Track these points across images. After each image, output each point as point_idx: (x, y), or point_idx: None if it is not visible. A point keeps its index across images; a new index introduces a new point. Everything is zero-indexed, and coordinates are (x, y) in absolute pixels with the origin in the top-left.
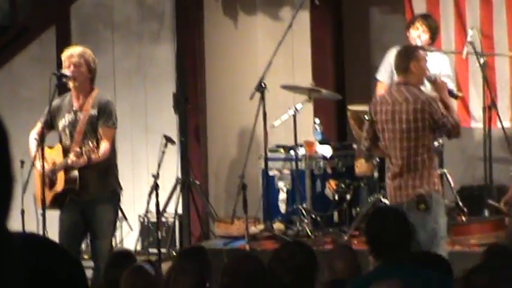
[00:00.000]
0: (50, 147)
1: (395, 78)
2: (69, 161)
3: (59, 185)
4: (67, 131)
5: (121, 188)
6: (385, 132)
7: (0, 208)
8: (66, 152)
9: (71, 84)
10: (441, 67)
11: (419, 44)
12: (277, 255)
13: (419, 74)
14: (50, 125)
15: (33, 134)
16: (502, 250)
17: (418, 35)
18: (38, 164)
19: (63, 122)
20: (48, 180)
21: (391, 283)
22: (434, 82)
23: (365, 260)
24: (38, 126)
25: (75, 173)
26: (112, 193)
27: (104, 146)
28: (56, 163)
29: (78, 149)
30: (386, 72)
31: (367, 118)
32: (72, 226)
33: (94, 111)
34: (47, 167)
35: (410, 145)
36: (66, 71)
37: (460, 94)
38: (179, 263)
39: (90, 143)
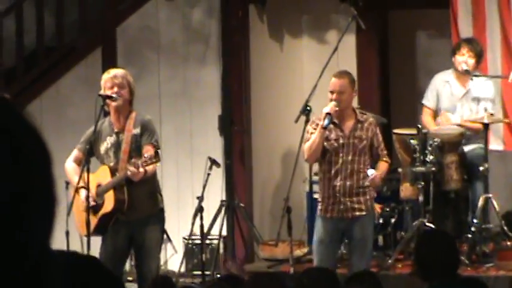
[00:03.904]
0: (92, 172)
1: (442, 104)
2: (129, 172)
3: (108, 205)
4: (111, 153)
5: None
6: None
7: (43, 228)
8: (113, 171)
9: (113, 104)
10: (485, 91)
11: (465, 68)
12: (300, 282)
13: None
14: (89, 151)
15: (70, 162)
16: None
17: (464, 60)
18: (82, 192)
19: (105, 145)
20: (93, 205)
21: None
22: None
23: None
24: (74, 153)
25: (124, 193)
26: (159, 211)
27: None
28: (101, 184)
29: (134, 160)
30: (432, 97)
31: None
32: (116, 249)
33: (136, 131)
34: (91, 192)
35: None
36: (108, 92)
37: None
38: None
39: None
